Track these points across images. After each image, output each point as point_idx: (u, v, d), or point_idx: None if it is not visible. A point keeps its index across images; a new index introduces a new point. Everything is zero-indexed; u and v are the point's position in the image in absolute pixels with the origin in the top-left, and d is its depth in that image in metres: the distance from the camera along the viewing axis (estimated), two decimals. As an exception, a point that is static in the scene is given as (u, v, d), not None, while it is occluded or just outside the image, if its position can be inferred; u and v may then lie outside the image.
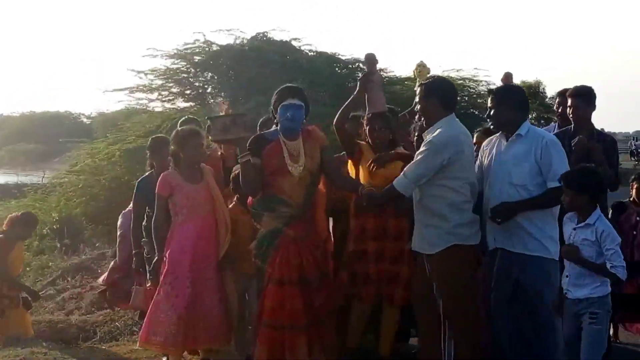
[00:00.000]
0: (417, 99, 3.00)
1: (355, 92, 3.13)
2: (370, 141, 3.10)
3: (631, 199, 3.69)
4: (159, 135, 4.53)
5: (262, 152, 2.71)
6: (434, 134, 2.55)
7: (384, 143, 3.07)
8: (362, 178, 3.00)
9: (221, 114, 3.74)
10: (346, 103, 3.18)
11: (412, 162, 2.58)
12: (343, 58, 10.18)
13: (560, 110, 3.56)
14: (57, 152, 15.82)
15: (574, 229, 2.50)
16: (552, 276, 2.63)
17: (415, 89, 3.22)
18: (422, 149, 2.57)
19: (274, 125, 2.79)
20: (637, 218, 3.61)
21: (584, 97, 3.24)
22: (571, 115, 3.22)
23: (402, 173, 2.59)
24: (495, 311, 2.71)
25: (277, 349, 2.70)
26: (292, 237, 2.73)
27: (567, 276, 2.54)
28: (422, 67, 4.07)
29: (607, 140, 3.37)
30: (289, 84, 3.01)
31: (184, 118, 3.84)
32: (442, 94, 2.74)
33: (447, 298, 2.59)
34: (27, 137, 28.28)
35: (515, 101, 2.74)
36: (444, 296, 2.61)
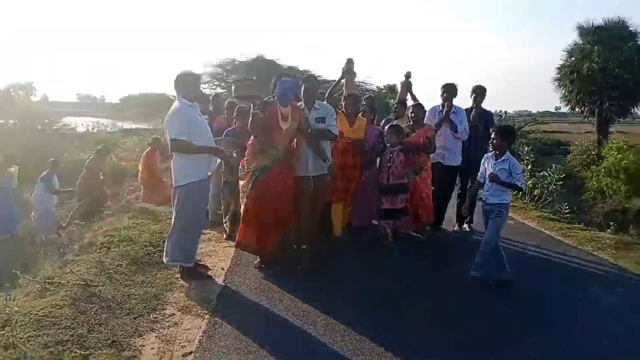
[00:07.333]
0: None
1: (338, 80, 4.24)
2: (344, 110, 4.01)
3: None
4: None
5: (265, 110, 3.25)
6: None
7: (352, 111, 3.98)
8: (341, 129, 3.76)
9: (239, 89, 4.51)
10: (332, 85, 4.36)
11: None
12: (301, 69, 15.28)
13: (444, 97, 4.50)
14: (156, 114, 20.26)
15: (494, 163, 3.23)
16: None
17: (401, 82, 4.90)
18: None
19: (273, 99, 3.27)
20: (390, 155, 4.14)
21: (482, 91, 4.61)
22: (473, 102, 4.57)
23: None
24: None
25: (251, 235, 3.43)
26: (275, 171, 3.29)
27: (487, 190, 3.27)
28: (408, 73, 5.11)
29: (488, 112, 4.69)
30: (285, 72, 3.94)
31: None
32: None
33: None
34: (135, 106, 38.38)
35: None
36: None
